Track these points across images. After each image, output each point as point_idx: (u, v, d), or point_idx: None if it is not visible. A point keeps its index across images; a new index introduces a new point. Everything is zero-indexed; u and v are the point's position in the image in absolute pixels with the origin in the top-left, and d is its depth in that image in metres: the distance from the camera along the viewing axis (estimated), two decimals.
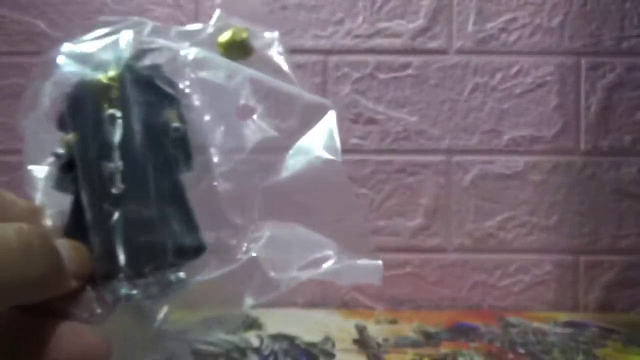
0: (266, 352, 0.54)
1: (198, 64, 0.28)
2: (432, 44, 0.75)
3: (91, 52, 0.28)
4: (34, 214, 0.25)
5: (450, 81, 0.75)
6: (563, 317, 0.69)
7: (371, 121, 0.74)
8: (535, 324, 0.65)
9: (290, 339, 0.57)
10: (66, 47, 0.28)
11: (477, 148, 0.75)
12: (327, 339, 0.58)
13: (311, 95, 0.29)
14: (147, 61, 0.28)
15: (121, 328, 0.24)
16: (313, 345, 0.56)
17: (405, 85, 0.75)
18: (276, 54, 0.31)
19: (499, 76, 0.75)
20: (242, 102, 0.29)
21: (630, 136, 0.75)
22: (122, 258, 0.24)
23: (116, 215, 0.24)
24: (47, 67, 0.28)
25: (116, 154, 0.25)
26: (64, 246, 0.22)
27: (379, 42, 0.75)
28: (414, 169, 0.75)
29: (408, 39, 0.75)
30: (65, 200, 0.26)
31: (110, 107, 0.26)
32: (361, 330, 0.62)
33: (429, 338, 0.60)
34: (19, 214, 0.24)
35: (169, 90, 0.27)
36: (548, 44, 0.75)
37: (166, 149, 0.26)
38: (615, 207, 0.75)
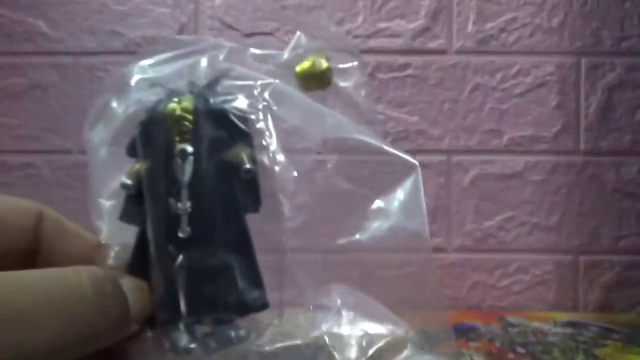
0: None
1: (275, 99, 0.26)
2: (432, 44, 0.75)
3: (166, 76, 0.26)
4: (99, 249, 0.24)
5: (450, 81, 0.75)
6: (563, 317, 0.69)
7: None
8: (535, 324, 0.65)
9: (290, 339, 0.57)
10: (141, 67, 0.27)
11: (477, 148, 0.75)
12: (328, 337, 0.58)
13: (394, 150, 0.27)
14: (220, 88, 0.26)
15: None
16: (313, 345, 0.56)
17: (405, 85, 0.75)
18: (356, 89, 0.29)
19: (499, 76, 0.75)
20: (318, 149, 0.27)
21: (631, 136, 0.75)
22: (183, 306, 0.23)
23: (180, 258, 0.23)
24: (119, 83, 0.26)
25: (185, 193, 0.23)
26: (129, 287, 0.21)
27: (379, 42, 0.75)
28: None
29: (408, 39, 0.75)
30: (127, 232, 0.25)
31: (182, 140, 0.24)
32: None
33: (429, 338, 0.60)
34: (83, 249, 0.23)
35: (243, 126, 0.25)
36: (548, 44, 0.75)
37: (235, 190, 0.24)
38: (615, 207, 0.75)
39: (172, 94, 0.25)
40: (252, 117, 0.26)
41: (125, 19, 0.75)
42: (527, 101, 0.75)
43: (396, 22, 0.75)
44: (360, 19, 0.75)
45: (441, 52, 0.75)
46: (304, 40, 0.28)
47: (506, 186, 0.75)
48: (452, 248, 0.74)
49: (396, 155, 0.27)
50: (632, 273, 0.75)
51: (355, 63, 0.29)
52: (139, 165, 0.25)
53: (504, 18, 0.75)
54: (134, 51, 0.75)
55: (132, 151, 0.25)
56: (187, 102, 0.25)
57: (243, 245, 0.24)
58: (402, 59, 0.75)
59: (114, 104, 0.26)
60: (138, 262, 0.24)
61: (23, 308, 0.16)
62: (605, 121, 0.75)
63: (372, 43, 0.75)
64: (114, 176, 0.25)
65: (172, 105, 0.25)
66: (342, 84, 0.29)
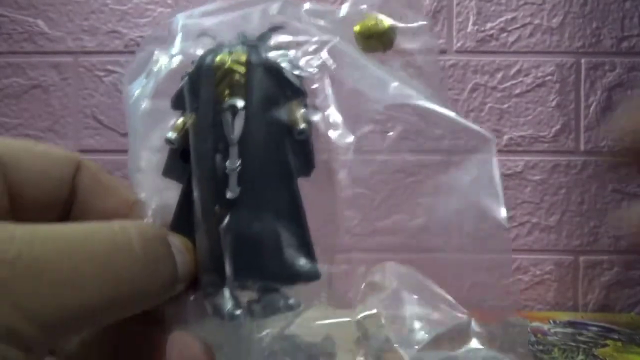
0: (266, 353, 0.54)
1: (334, 58, 0.24)
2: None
3: (214, 26, 0.24)
4: (134, 207, 0.23)
5: (450, 81, 0.75)
6: (563, 317, 0.69)
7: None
8: (535, 324, 0.65)
9: (290, 339, 0.57)
10: (188, 17, 0.25)
11: (477, 148, 0.75)
12: (327, 338, 0.58)
13: (466, 121, 0.24)
14: (273, 43, 0.24)
15: (223, 340, 0.22)
16: (313, 345, 0.56)
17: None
18: (422, 52, 0.26)
19: (499, 76, 0.75)
20: (378, 114, 0.25)
21: None
22: (228, 270, 0.21)
23: (227, 220, 0.22)
24: (163, 35, 0.24)
25: (234, 151, 0.22)
26: (177, 246, 0.20)
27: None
28: (414, 169, 0.75)
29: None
30: (168, 191, 0.23)
31: (232, 94, 0.22)
32: (363, 329, 0.62)
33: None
34: (118, 205, 0.22)
35: (297, 84, 0.23)
36: (548, 44, 0.75)
37: (287, 151, 0.23)
38: (615, 207, 0.75)
39: (221, 45, 0.24)
40: (308, 75, 0.24)
41: (125, 19, 0.75)
42: (527, 101, 0.75)
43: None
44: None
45: (441, 52, 0.75)
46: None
47: (506, 186, 0.75)
48: (452, 248, 0.74)
49: (468, 127, 0.24)
50: (632, 273, 0.75)
51: (423, 23, 0.26)
52: (184, 119, 0.23)
53: (504, 18, 0.75)
54: (134, 51, 0.75)
55: (177, 104, 0.24)
56: (239, 54, 0.23)
57: (294, 211, 0.23)
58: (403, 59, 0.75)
59: (158, 55, 0.25)
60: (181, 222, 0.22)
61: (66, 268, 0.16)
62: (605, 121, 0.75)
63: None
64: (156, 130, 0.24)
65: (223, 56, 0.23)
66: (407, 45, 0.26)
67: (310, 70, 0.24)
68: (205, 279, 0.21)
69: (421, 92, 0.24)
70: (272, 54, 0.24)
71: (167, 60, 0.24)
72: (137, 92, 0.24)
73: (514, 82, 0.75)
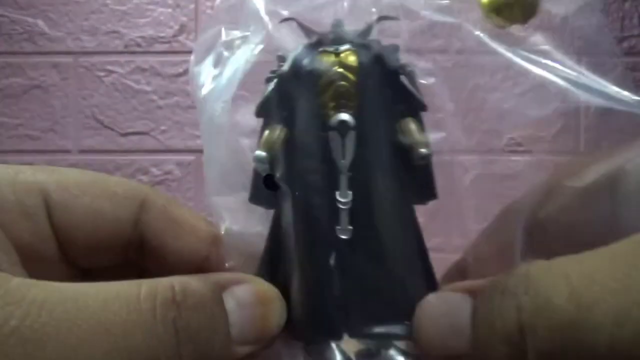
0: None
1: (459, 52, 0.19)
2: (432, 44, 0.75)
3: (311, 14, 0.19)
4: (215, 244, 0.20)
5: (450, 81, 0.75)
6: None
7: None
8: None
9: None
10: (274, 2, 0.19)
11: (477, 148, 0.75)
12: None
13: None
14: (374, 36, 0.19)
15: None
16: None
17: (415, 37, 0.75)
18: (579, 16, 0.19)
19: (499, 76, 0.75)
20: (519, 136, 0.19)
21: (630, 136, 0.75)
22: (339, 321, 0.18)
23: (338, 262, 0.18)
24: (233, 11, 0.20)
25: (344, 181, 0.18)
26: (241, 302, 0.17)
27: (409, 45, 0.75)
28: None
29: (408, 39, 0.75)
30: (255, 214, 0.19)
31: (339, 107, 0.18)
32: None
33: None
34: (196, 244, 0.19)
35: (419, 96, 0.20)
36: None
37: (405, 178, 0.19)
38: None
39: (321, 41, 0.19)
40: (431, 81, 0.20)
41: (125, 19, 0.75)
42: (527, 101, 0.75)
43: (396, 22, 0.75)
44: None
45: (441, 52, 0.75)
46: None
47: (506, 186, 0.75)
48: (452, 248, 0.74)
49: None
50: None
51: None
52: (276, 134, 0.19)
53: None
54: (134, 51, 0.75)
55: (264, 112, 0.19)
56: (348, 56, 0.18)
57: (416, 249, 0.19)
58: (403, 59, 0.75)
59: (228, 36, 0.20)
60: (272, 259, 0.19)
61: (74, 341, 0.14)
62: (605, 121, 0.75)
63: None
64: (237, 139, 0.20)
65: (328, 58, 0.18)
66: (556, 9, 0.20)
67: (433, 72, 0.20)
68: (308, 331, 0.18)
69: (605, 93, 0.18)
70: (387, 55, 0.19)
71: (246, 50, 0.19)
72: (207, 85, 0.20)
73: (514, 82, 0.75)
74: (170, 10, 0.75)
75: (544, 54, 0.20)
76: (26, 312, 0.14)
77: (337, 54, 0.18)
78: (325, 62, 0.18)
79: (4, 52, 0.75)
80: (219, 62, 0.20)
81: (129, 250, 0.20)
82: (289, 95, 0.19)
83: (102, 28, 0.75)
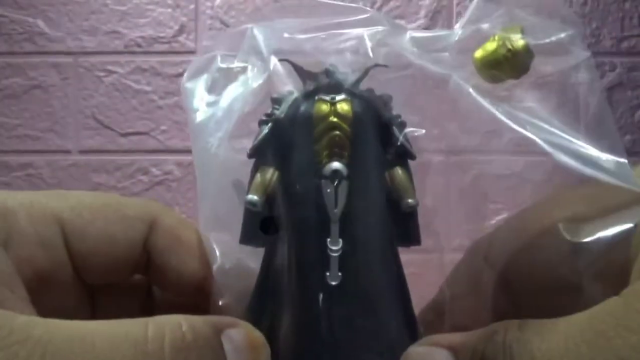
0: None
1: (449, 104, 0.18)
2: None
3: (308, 56, 0.19)
4: (205, 281, 0.20)
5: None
6: None
7: None
8: None
9: None
10: (265, 32, 0.19)
11: (477, 148, 0.75)
12: None
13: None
14: (365, 84, 0.20)
15: None
16: None
17: (405, 85, 0.75)
18: (570, 75, 0.19)
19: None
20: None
21: (630, 136, 0.75)
22: (322, 358, 0.18)
23: (327, 310, 0.18)
24: (232, 41, 0.19)
25: (336, 230, 0.18)
26: (236, 345, 0.17)
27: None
28: (414, 169, 0.75)
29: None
30: (250, 256, 0.20)
31: (332, 156, 0.18)
32: None
33: None
34: (197, 269, 0.20)
35: (409, 146, 0.20)
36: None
37: (391, 225, 0.20)
38: None
39: (317, 88, 0.19)
40: (421, 132, 0.20)
41: (125, 19, 0.75)
42: (526, 101, 0.75)
43: (396, 22, 0.75)
44: None
45: (441, 52, 0.75)
46: (484, 7, 0.19)
47: (506, 186, 0.75)
48: (452, 247, 0.74)
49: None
50: None
51: (570, 33, 0.18)
52: (267, 177, 0.19)
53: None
54: (134, 51, 0.75)
55: (257, 154, 0.19)
56: (343, 105, 0.19)
57: (401, 295, 0.20)
58: (402, 59, 0.75)
59: (223, 63, 0.20)
60: (262, 295, 0.19)
61: None
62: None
63: None
64: (231, 174, 0.20)
65: (324, 106, 0.19)
66: (547, 67, 0.20)
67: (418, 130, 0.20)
68: None
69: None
70: (380, 106, 0.20)
71: (245, 82, 0.19)
72: (202, 111, 0.20)
73: (513, 82, 0.75)
74: (170, 10, 0.75)
75: (529, 112, 0.20)
76: (31, 352, 0.13)
77: (333, 104, 0.19)
78: (322, 111, 0.19)
79: (4, 52, 0.75)
80: (213, 89, 0.20)
81: (138, 268, 0.21)
82: (283, 140, 0.19)
83: (102, 28, 0.75)
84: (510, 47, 0.19)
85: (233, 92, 0.20)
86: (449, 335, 0.18)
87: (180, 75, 0.75)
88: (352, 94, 0.19)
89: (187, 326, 0.16)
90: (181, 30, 0.75)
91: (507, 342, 0.16)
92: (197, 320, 0.17)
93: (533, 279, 0.20)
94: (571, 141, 0.19)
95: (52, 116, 0.75)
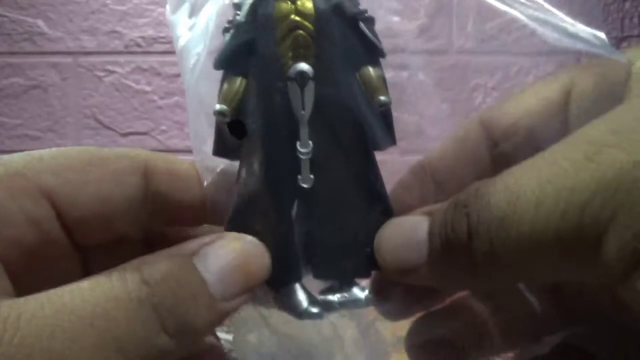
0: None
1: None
2: (432, 44, 0.75)
3: None
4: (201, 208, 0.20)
5: (450, 81, 0.75)
6: None
7: None
8: None
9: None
10: None
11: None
12: (329, 338, 0.58)
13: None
14: None
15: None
16: (314, 344, 0.56)
17: (405, 85, 0.75)
18: None
19: (499, 76, 0.75)
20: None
21: None
22: (297, 263, 0.19)
23: (300, 212, 0.19)
24: None
25: (305, 132, 0.18)
26: (216, 264, 0.17)
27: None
28: None
29: (408, 39, 0.75)
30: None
31: (296, 57, 0.18)
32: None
33: None
34: (195, 194, 0.20)
35: (378, 42, 0.19)
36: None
37: (365, 126, 0.19)
38: None
39: None
40: (396, 20, 0.20)
41: (125, 19, 0.75)
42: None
43: (396, 22, 0.75)
44: None
45: (441, 52, 0.75)
46: None
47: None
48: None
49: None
50: None
51: None
52: (236, 86, 0.18)
53: (504, 18, 0.75)
54: (134, 51, 0.75)
55: (224, 64, 0.19)
56: (304, 2, 0.18)
57: (377, 195, 0.19)
58: (402, 59, 0.75)
59: None
60: (246, 207, 0.19)
61: (60, 345, 0.14)
62: None
63: None
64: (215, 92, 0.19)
65: (284, 5, 0.18)
66: None
67: (393, 18, 0.19)
68: (275, 277, 0.18)
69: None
70: (345, 1, 0.19)
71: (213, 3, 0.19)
72: (184, 36, 0.20)
73: (514, 82, 0.75)
74: None
75: None
76: (2, 330, 0.13)
77: (294, 1, 0.18)
78: (282, 10, 0.18)
79: (4, 52, 0.75)
80: (193, 12, 0.20)
81: (140, 218, 0.20)
82: (246, 45, 0.18)
83: (102, 28, 0.75)
84: None
85: (209, 9, 0.19)
86: (427, 207, 0.19)
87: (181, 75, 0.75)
88: None
89: (146, 265, 0.16)
90: None
91: (479, 184, 0.16)
92: (159, 255, 0.16)
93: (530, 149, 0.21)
94: (555, 17, 0.19)
95: (52, 116, 0.75)
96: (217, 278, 0.16)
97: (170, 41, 0.76)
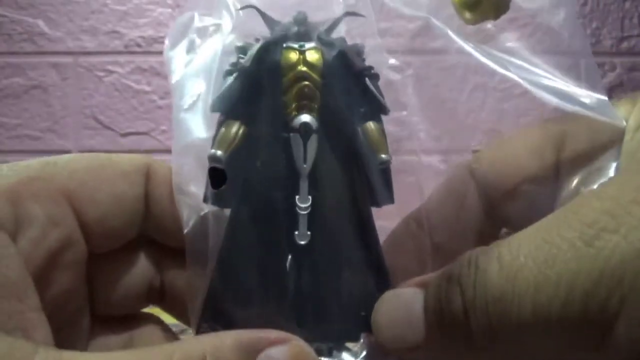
0: None
1: (426, 48, 0.18)
2: (432, 44, 0.75)
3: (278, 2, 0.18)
4: None
5: (450, 81, 0.75)
6: None
7: None
8: None
9: None
10: None
11: (477, 148, 0.75)
12: None
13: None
14: (343, 32, 0.18)
15: None
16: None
17: (405, 85, 0.75)
18: (551, 12, 0.19)
19: (499, 76, 0.75)
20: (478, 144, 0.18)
21: None
22: (289, 321, 0.18)
23: (294, 268, 0.18)
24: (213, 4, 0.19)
25: (305, 186, 0.17)
26: None
27: (378, 42, 0.75)
28: (414, 169, 0.75)
29: (408, 39, 0.75)
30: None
31: (301, 107, 0.17)
32: None
33: None
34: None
35: (383, 99, 0.19)
36: (548, 44, 0.75)
37: (363, 183, 0.19)
38: None
39: (285, 35, 0.18)
40: (397, 77, 0.19)
41: (125, 19, 0.75)
42: (527, 101, 0.75)
43: (396, 22, 0.75)
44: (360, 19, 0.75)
45: (441, 52, 0.75)
46: None
47: None
48: None
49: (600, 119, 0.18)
50: None
51: None
52: (233, 131, 0.18)
53: (504, 18, 0.75)
54: (134, 51, 0.75)
55: (222, 107, 0.18)
56: (313, 54, 0.17)
57: (372, 250, 0.19)
58: (402, 59, 0.75)
59: (199, 22, 0.19)
60: (229, 258, 0.18)
61: None
62: None
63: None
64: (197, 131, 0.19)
65: (292, 54, 0.17)
66: (527, 4, 0.19)
67: (398, 72, 0.19)
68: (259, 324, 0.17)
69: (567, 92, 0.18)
70: (352, 55, 0.18)
71: (218, 39, 0.18)
72: (178, 72, 0.19)
73: (514, 82, 0.75)
74: (170, 10, 0.75)
75: (511, 53, 0.20)
76: None
77: (302, 52, 0.17)
78: (290, 59, 0.17)
79: (4, 52, 0.75)
80: (191, 49, 0.19)
81: (140, 223, 0.20)
82: (250, 91, 0.18)
83: (102, 28, 0.75)
84: None
85: (208, 49, 0.19)
86: (420, 277, 0.18)
87: None
88: (323, 42, 0.18)
89: (213, 356, 0.15)
90: None
91: (472, 256, 0.16)
92: (226, 343, 0.16)
93: (511, 172, 0.21)
94: (552, 79, 0.19)
95: (52, 116, 0.74)
96: None
97: None
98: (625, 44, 0.75)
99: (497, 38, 0.20)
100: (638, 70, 0.75)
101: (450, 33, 0.20)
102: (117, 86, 0.75)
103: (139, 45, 0.75)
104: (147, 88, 0.75)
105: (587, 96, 0.19)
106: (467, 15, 0.19)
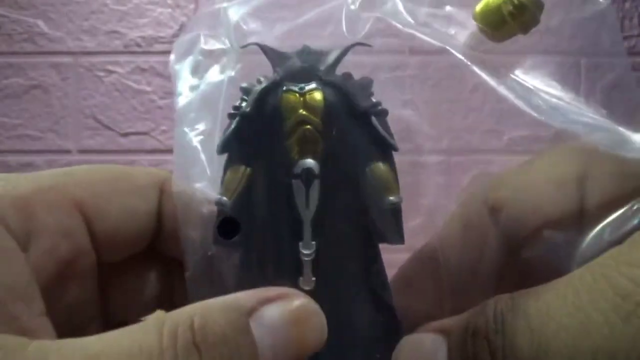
0: None
1: (445, 79, 0.17)
2: (432, 44, 0.75)
3: (265, 31, 0.18)
4: None
5: (450, 81, 0.75)
6: None
7: None
8: None
9: None
10: (238, 10, 0.18)
11: (477, 148, 0.75)
12: None
13: None
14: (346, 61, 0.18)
15: None
16: None
17: (405, 85, 0.75)
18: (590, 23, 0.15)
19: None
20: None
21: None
22: None
23: None
24: (213, 19, 0.18)
25: (309, 232, 0.17)
26: (272, 324, 0.15)
27: (379, 42, 0.75)
28: (414, 169, 0.75)
29: (408, 39, 0.75)
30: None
31: (303, 152, 0.17)
32: None
33: None
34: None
35: (391, 140, 0.19)
36: (548, 44, 0.75)
37: (372, 226, 0.18)
38: None
39: (287, 74, 0.17)
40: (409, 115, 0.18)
41: (125, 19, 0.75)
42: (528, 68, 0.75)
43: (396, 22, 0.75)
44: None
45: (441, 52, 0.75)
46: None
47: None
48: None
49: None
50: None
51: None
52: (240, 176, 0.18)
53: None
54: (134, 51, 0.75)
55: (226, 150, 0.18)
56: (314, 97, 0.17)
57: (380, 292, 0.18)
58: (402, 59, 0.75)
59: (206, 43, 0.18)
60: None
61: None
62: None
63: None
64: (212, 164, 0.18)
65: (293, 97, 0.17)
66: (558, 19, 0.16)
67: (412, 111, 0.18)
68: None
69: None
70: (356, 93, 0.18)
71: (224, 66, 0.18)
72: (185, 95, 0.19)
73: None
74: (170, 10, 0.75)
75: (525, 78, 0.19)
76: None
77: (302, 94, 0.17)
78: (290, 102, 0.17)
79: (4, 52, 0.75)
80: (196, 71, 0.19)
81: (152, 237, 0.20)
82: (254, 136, 0.17)
83: (102, 28, 0.75)
84: (515, 1, 0.15)
85: (213, 77, 0.19)
86: (440, 321, 0.18)
87: None
88: (324, 82, 0.17)
89: (200, 322, 0.14)
90: (181, 30, 0.74)
91: (498, 311, 0.16)
92: (215, 308, 0.15)
93: (534, 216, 0.20)
94: (563, 108, 0.17)
95: (52, 116, 0.75)
96: (270, 345, 0.15)
97: (170, 41, 0.76)
98: (625, 44, 0.75)
99: (516, 64, 0.19)
100: (638, 70, 0.75)
101: (465, 61, 0.19)
102: (117, 86, 0.75)
103: (139, 45, 0.75)
104: (147, 88, 0.75)
105: (603, 122, 0.17)
106: (492, 34, 0.17)
